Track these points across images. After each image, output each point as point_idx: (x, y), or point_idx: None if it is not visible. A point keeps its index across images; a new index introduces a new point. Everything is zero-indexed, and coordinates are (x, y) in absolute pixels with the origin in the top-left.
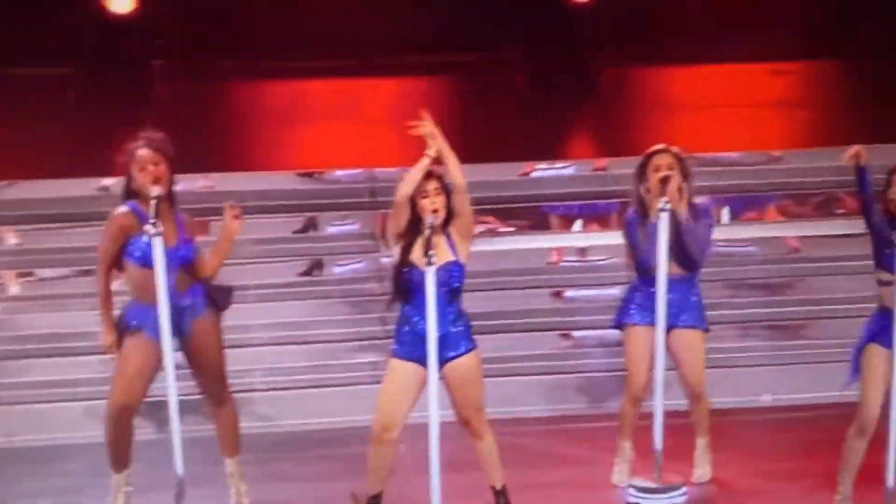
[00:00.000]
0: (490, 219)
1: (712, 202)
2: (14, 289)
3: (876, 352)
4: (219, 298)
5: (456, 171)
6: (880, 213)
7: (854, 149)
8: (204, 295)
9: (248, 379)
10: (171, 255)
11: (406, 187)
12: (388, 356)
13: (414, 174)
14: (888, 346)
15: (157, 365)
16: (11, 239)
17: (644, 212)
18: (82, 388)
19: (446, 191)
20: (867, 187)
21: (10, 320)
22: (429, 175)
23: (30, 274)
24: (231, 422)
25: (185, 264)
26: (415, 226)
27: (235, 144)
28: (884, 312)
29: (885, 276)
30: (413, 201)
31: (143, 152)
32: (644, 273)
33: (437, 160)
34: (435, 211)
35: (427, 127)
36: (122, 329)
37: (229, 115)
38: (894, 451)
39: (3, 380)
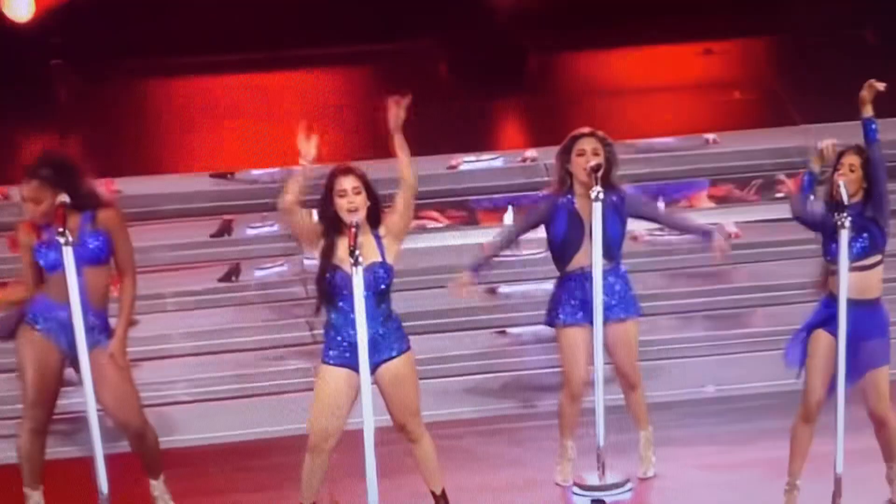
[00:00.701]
0: (424, 214)
1: (637, 190)
2: None
3: (822, 337)
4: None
5: (408, 167)
6: (816, 204)
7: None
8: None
9: (171, 391)
10: (74, 255)
11: (287, 196)
12: (318, 363)
13: (291, 183)
14: (832, 331)
15: (59, 373)
16: None
17: (567, 196)
18: None
19: (367, 188)
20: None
21: None
22: (347, 171)
23: None
24: (151, 446)
25: (92, 262)
26: (334, 225)
27: (142, 147)
28: (833, 299)
29: (832, 266)
30: (330, 200)
31: (33, 185)
32: (559, 262)
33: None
34: (352, 210)
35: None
36: (18, 321)
37: (134, 115)
38: (842, 438)
39: None
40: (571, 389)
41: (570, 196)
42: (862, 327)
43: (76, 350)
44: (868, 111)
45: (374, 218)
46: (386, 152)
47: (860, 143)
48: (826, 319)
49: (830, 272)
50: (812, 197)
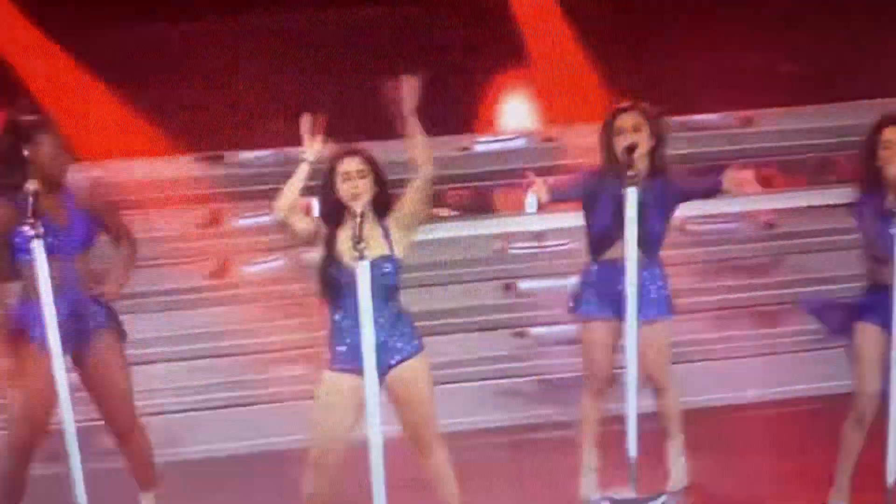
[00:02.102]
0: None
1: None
2: None
3: (869, 332)
4: None
5: (425, 154)
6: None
7: None
8: (108, 304)
9: (158, 400)
10: (63, 242)
11: (282, 201)
12: (319, 368)
13: (292, 186)
14: (880, 323)
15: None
16: None
17: (608, 178)
18: None
19: (374, 171)
20: None
21: None
22: (351, 152)
23: None
24: (143, 452)
25: (80, 248)
26: (337, 213)
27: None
28: (877, 289)
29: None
30: (332, 185)
31: (44, 140)
32: (595, 251)
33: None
34: (356, 196)
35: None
36: (13, 333)
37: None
38: (895, 444)
39: None
40: (592, 387)
41: (611, 180)
42: None
43: (74, 345)
44: None
45: (382, 205)
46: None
47: None
48: (868, 308)
49: (876, 261)
50: None
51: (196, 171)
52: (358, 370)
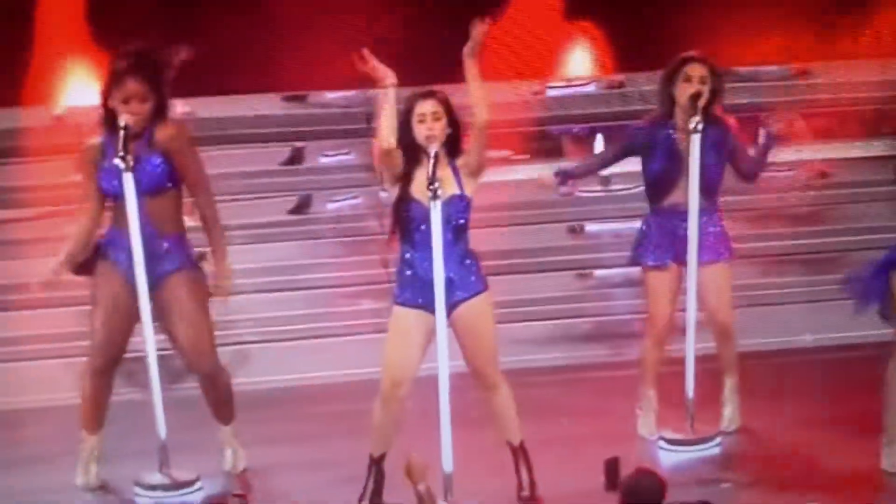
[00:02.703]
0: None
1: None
2: None
3: None
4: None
5: (481, 101)
6: None
7: None
8: (188, 246)
9: (237, 330)
10: (140, 179)
11: (385, 131)
12: (391, 303)
13: (386, 114)
14: None
15: (132, 308)
16: None
17: (668, 125)
18: (45, 346)
19: (449, 113)
20: None
21: None
22: (427, 95)
23: None
24: (223, 392)
25: (156, 189)
26: (413, 153)
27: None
28: None
29: None
30: (408, 125)
31: (130, 86)
32: (654, 197)
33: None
34: (430, 137)
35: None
36: (97, 255)
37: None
38: None
39: None
40: (656, 333)
41: (670, 128)
42: None
43: (154, 284)
44: None
45: (454, 147)
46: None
47: None
48: None
49: None
50: None
51: (280, 109)
52: (426, 305)
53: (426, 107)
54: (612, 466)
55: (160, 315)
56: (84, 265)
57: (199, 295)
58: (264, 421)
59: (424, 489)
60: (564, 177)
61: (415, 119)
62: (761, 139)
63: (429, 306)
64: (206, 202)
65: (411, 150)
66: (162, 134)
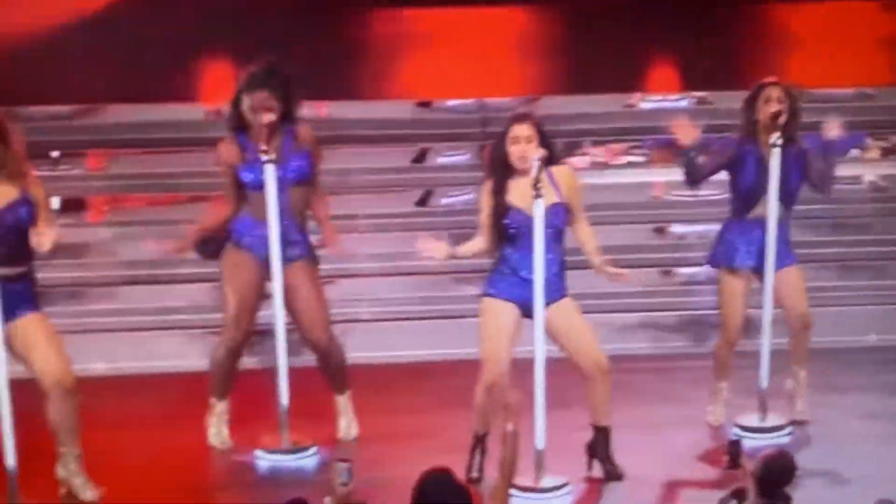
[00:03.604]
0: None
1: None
2: (109, 214)
3: None
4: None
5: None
6: None
7: None
8: (308, 236)
9: (354, 309)
10: (279, 175)
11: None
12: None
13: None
14: None
15: (262, 289)
16: (103, 164)
17: (751, 143)
18: (181, 316)
19: (541, 136)
20: None
21: (109, 246)
22: (522, 119)
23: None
24: (338, 364)
25: (298, 181)
26: (506, 168)
27: (349, 73)
28: None
29: None
30: (503, 144)
31: (262, 95)
32: (742, 208)
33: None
34: (522, 158)
35: None
36: (226, 241)
37: (344, 44)
38: None
39: (103, 306)
40: (728, 335)
41: (755, 146)
42: None
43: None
44: None
45: (548, 161)
46: (577, 88)
47: None
48: None
49: None
50: None
51: (407, 114)
52: (517, 301)
53: (521, 130)
54: (735, 447)
55: (287, 293)
56: (209, 247)
57: (317, 278)
58: (374, 393)
59: (512, 430)
60: (692, 161)
61: (510, 140)
62: (824, 146)
63: (519, 302)
64: (323, 198)
65: (504, 165)
66: (304, 134)
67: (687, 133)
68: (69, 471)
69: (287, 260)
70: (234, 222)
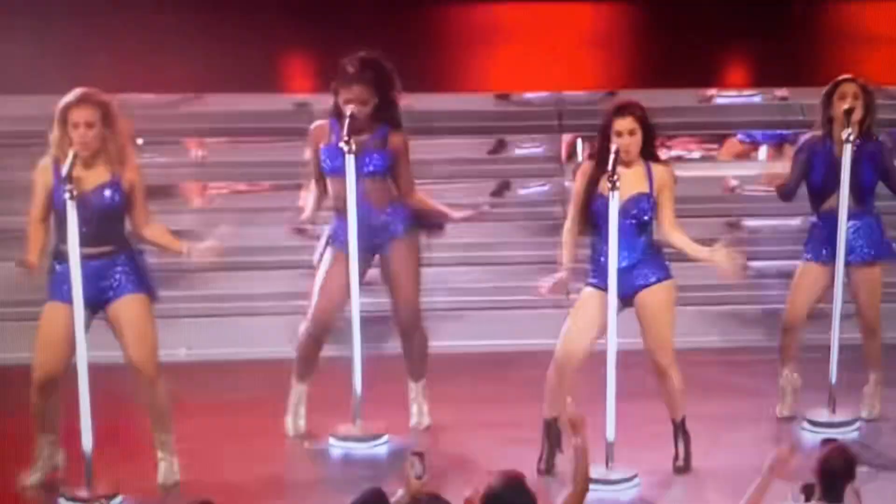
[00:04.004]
0: (672, 143)
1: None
2: (197, 201)
3: None
4: (429, 226)
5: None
6: None
7: None
8: (406, 217)
9: (431, 297)
10: (356, 165)
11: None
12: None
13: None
14: None
15: (348, 278)
16: (198, 151)
17: (828, 140)
18: (265, 303)
19: (643, 126)
20: None
21: (198, 233)
22: (625, 111)
23: (219, 188)
24: (420, 348)
25: (374, 175)
26: (606, 157)
27: (429, 65)
28: None
29: None
30: (607, 136)
31: (355, 89)
32: (815, 203)
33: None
34: (626, 152)
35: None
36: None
37: (425, 37)
38: None
39: (185, 292)
40: (785, 320)
41: (829, 142)
42: None
43: (370, 251)
44: None
45: (648, 153)
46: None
47: None
48: None
49: None
50: None
51: (485, 106)
52: (606, 288)
53: (623, 124)
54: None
55: (384, 277)
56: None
57: (413, 259)
58: (451, 382)
59: (579, 444)
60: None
61: (613, 133)
62: None
63: (604, 288)
64: (414, 195)
65: (606, 155)
66: (395, 140)
67: (774, 181)
68: (161, 454)
69: (378, 244)
70: (333, 227)
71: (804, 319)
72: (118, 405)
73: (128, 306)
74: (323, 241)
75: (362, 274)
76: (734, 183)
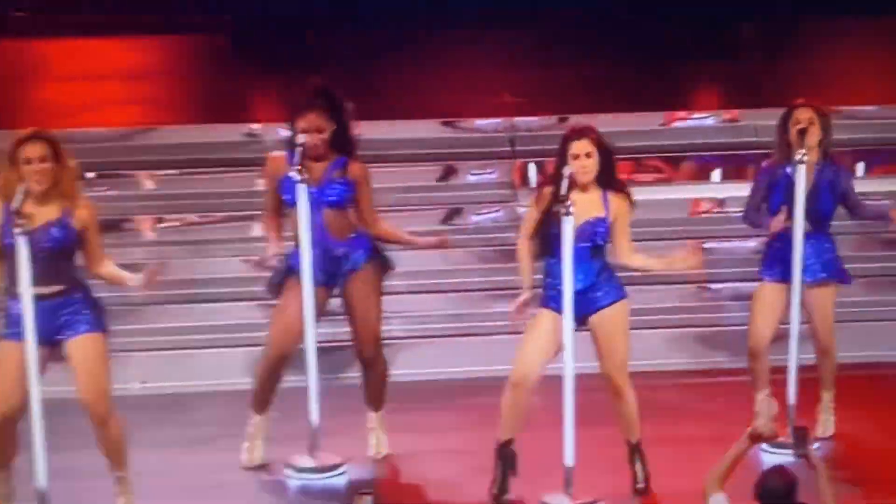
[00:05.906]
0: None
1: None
2: (149, 234)
3: None
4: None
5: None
6: None
7: None
8: (367, 248)
9: (387, 326)
10: (315, 196)
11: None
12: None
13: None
14: None
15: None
16: (148, 184)
17: (786, 163)
18: (219, 335)
19: (600, 149)
20: None
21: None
22: (580, 133)
23: (171, 220)
24: (380, 379)
25: (334, 205)
26: (561, 179)
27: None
28: None
29: None
30: (563, 159)
31: (310, 117)
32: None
33: None
34: (585, 174)
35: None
36: (285, 272)
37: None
38: None
39: (139, 325)
40: (749, 346)
41: (787, 167)
42: None
43: (330, 281)
44: None
45: (606, 178)
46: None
47: None
48: None
49: None
50: None
51: (436, 133)
52: (560, 311)
53: (580, 147)
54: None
55: (345, 307)
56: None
57: (374, 289)
58: (407, 411)
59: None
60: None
61: (570, 156)
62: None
63: (558, 310)
64: (378, 225)
65: (560, 178)
66: (355, 169)
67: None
68: (118, 489)
69: (339, 275)
70: (291, 254)
71: (768, 342)
72: (79, 441)
73: (81, 346)
74: (277, 270)
75: (323, 305)
76: (707, 206)
